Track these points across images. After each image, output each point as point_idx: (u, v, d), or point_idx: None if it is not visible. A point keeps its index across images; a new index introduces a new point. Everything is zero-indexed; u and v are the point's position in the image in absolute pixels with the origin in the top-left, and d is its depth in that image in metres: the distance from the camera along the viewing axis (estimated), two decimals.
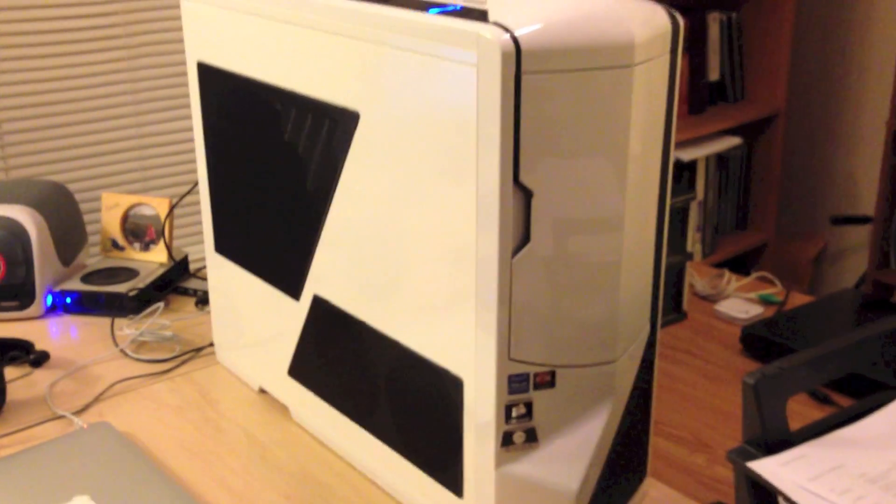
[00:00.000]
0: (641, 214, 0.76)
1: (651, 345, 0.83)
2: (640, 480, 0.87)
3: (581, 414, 0.78)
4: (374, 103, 0.79)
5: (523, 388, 0.75)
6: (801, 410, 1.05)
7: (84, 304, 1.30)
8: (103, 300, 1.29)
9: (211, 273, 1.13)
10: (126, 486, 0.88)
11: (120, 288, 1.29)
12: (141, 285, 1.30)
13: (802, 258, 2.97)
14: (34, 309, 1.28)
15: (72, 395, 1.10)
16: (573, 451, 0.77)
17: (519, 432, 0.76)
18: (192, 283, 1.37)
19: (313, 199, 0.90)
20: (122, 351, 1.20)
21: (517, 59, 0.66)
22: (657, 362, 0.86)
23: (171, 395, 1.09)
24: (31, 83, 2.02)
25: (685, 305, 1.27)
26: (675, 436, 1.02)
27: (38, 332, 1.25)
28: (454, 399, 0.79)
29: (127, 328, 1.25)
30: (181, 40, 2.18)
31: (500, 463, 0.77)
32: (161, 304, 1.29)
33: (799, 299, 1.31)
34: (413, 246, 0.79)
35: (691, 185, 2.73)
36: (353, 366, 0.90)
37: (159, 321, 1.27)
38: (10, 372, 1.15)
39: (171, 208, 1.37)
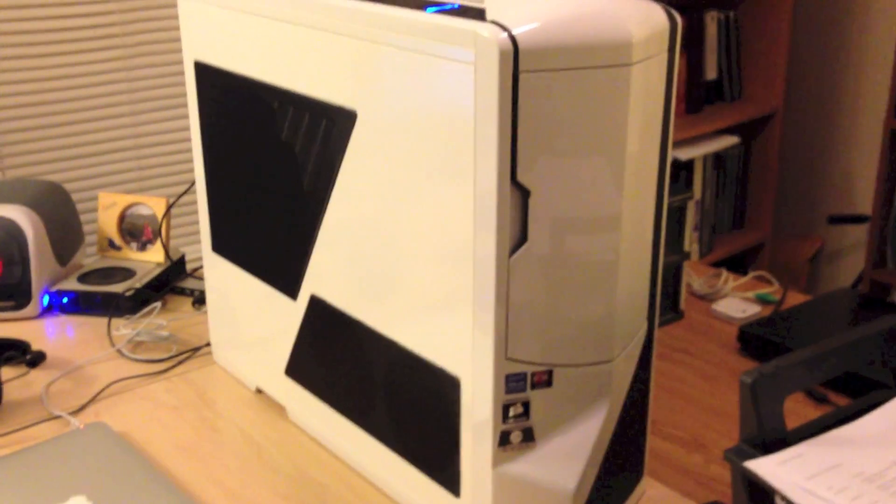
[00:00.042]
0: (639, 214, 0.76)
1: (648, 344, 0.83)
2: (638, 480, 0.87)
3: (578, 413, 0.77)
4: (371, 102, 0.79)
5: (520, 388, 0.75)
6: (797, 410, 1.05)
7: (80, 304, 1.29)
8: (100, 300, 1.29)
9: (208, 273, 1.13)
10: (122, 486, 0.88)
11: (116, 288, 1.29)
12: (138, 285, 1.30)
13: (799, 257, 2.97)
14: (30, 309, 1.28)
15: (68, 395, 1.10)
16: (570, 451, 0.77)
17: (516, 432, 0.76)
18: (189, 283, 1.37)
19: (310, 199, 0.90)
20: (118, 351, 1.20)
21: (515, 57, 0.66)
22: (654, 362, 0.85)
23: (168, 395, 1.09)
24: (28, 82, 2.02)
25: (682, 305, 1.27)
26: (672, 435, 1.02)
27: (35, 332, 1.25)
28: (451, 398, 0.79)
29: (123, 328, 1.25)
30: (178, 39, 2.18)
31: (497, 462, 0.77)
32: (158, 304, 1.29)
33: (796, 298, 1.31)
34: (410, 245, 0.79)
35: (688, 184, 2.73)
36: (350, 365, 0.90)
37: (156, 321, 1.26)
38: (7, 372, 1.15)
39: (168, 208, 1.37)
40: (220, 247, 1.09)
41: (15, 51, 1.98)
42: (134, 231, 1.39)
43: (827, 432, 0.68)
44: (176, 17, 2.16)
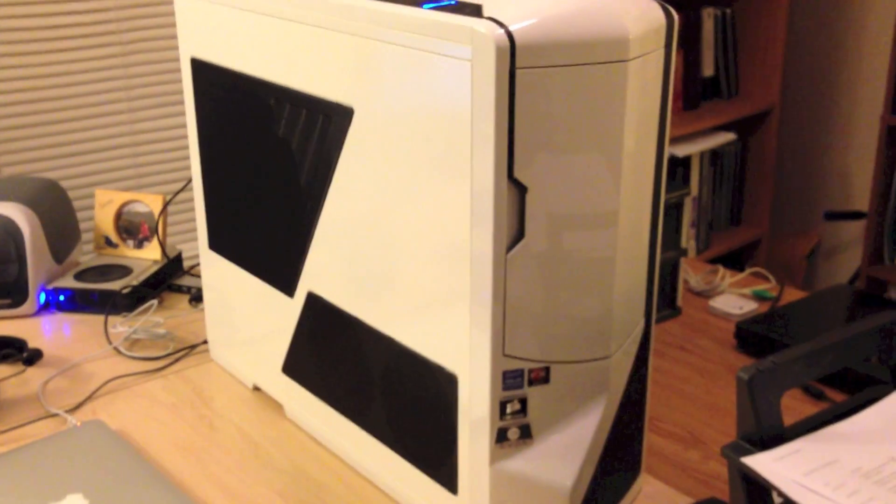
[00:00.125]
0: (636, 210, 0.76)
1: (645, 341, 0.83)
2: (635, 476, 0.87)
3: (575, 410, 0.77)
4: (368, 99, 0.79)
5: (518, 385, 0.75)
6: (794, 406, 1.05)
7: (77, 302, 1.29)
8: (96, 298, 1.29)
9: (205, 270, 1.13)
10: (119, 484, 0.88)
11: (113, 285, 1.29)
12: (134, 283, 1.30)
13: (796, 254, 2.98)
14: (27, 307, 1.28)
15: (65, 392, 1.10)
16: (568, 448, 0.77)
17: (513, 428, 0.76)
18: (186, 281, 1.37)
19: (307, 195, 0.90)
20: (115, 349, 1.19)
21: (511, 54, 0.66)
22: (651, 358, 0.86)
23: (165, 393, 1.09)
24: (24, 80, 2.01)
25: (679, 301, 1.27)
26: (669, 432, 1.02)
27: (31, 330, 1.25)
28: (448, 395, 0.79)
29: (120, 326, 1.24)
30: (175, 36, 2.18)
31: (494, 459, 0.77)
32: (154, 302, 1.29)
33: (793, 295, 1.31)
34: (407, 242, 0.79)
35: (685, 180, 2.72)
36: (347, 363, 0.90)
37: (153, 319, 1.26)
38: (3, 370, 1.14)
39: (165, 205, 1.37)
40: (216, 244, 1.08)
41: (11, 48, 1.98)
42: (131, 228, 1.39)
43: (824, 428, 0.68)
44: (172, 14, 2.15)
